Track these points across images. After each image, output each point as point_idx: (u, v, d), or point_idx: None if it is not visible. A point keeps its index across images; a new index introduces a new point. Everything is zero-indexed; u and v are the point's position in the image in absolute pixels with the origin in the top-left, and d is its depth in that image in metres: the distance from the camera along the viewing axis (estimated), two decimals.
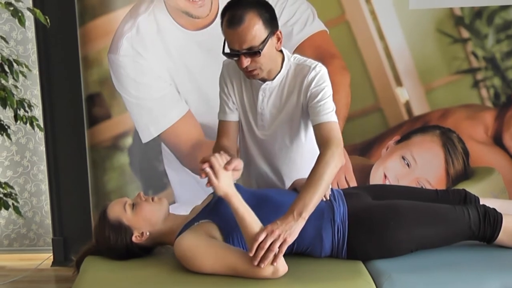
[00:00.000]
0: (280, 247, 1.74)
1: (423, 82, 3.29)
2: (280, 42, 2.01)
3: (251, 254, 1.74)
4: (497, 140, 3.29)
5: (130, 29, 3.18)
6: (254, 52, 1.92)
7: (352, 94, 3.23)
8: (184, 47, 3.22)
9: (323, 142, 1.96)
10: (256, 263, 1.73)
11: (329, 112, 2.00)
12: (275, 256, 1.74)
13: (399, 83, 3.30)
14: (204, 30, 3.20)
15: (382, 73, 3.29)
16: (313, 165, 1.92)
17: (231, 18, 1.90)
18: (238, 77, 2.14)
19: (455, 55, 3.27)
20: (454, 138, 3.25)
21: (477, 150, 3.27)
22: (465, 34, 3.25)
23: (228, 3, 1.95)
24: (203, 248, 1.80)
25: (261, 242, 1.74)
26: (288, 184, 2.16)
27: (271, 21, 1.95)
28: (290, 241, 1.77)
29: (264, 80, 2.07)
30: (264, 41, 1.92)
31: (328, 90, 2.03)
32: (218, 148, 2.11)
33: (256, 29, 1.89)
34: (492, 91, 3.28)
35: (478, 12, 3.23)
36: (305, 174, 1.95)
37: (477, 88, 3.28)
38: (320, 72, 2.04)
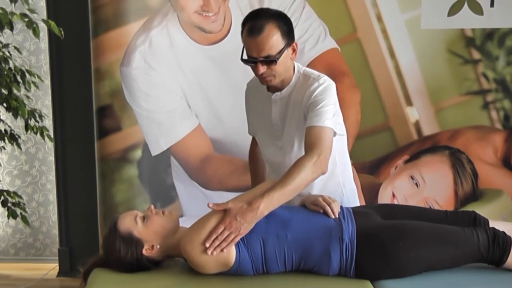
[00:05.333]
0: (233, 238, 1.83)
1: (433, 102, 3.30)
2: (295, 54, 2.08)
3: (208, 244, 1.82)
4: (507, 162, 3.28)
5: (143, 43, 3.21)
6: (270, 61, 2.00)
7: (362, 112, 3.24)
8: (196, 61, 3.24)
9: (308, 146, 1.99)
10: (210, 252, 1.82)
11: (324, 118, 2.01)
12: (227, 245, 1.83)
13: (409, 102, 3.30)
14: (217, 45, 3.22)
15: (393, 92, 3.30)
16: (329, 169, 1.99)
17: (252, 27, 1.99)
18: (257, 93, 2.23)
19: (466, 76, 3.28)
20: (463, 159, 3.24)
21: (486, 171, 3.27)
22: (476, 55, 3.26)
23: (250, 14, 2.04)
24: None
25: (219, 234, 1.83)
26: (304, 191, 2.16)
27: (289, 33, 2.03)
28: (244, 233, 1.84)
29: (275, 90, 2.14)
30: (281, 51, 2.00)
31: (329, 101, 2.04)
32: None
33: (274, 39, 1.98)
34: (502, 113, 3.28)
35: (489, 34, 3.24)
36: (322, 177, 2.01)
37: (487, 110, 3.28)
38: (323, 84, 2.07)
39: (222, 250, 1.82)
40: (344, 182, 2.26)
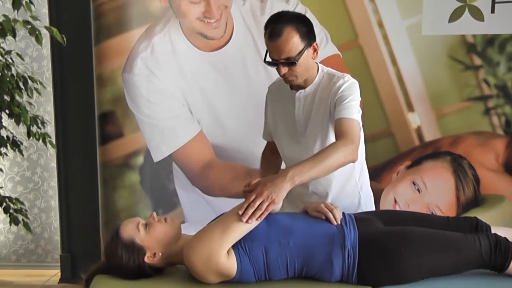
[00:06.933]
0: (267, 206, 1.83)
1: (434, 108, 3.30)
2: (316, 53, 2.15)
3: (241, 212, 1.82)
4: (508, 168, 3.28)
5: (145, 49, 3.22)
6: (291, 62, 2.07)
7: (363, 118, 3.22)
8: (198, 67, 3.25)
9: (339, 134, 2.05)
10: (245, 219, 1.81)
11: (352, 112, 2.08)
12: (261, 214, 1.83)
13: (410, 108, 3.31)
14: (218, 51, 3.23)
15: (394, 98, 3.30)
16: (347, 171, 2.06)
17: (272, 31, 2.07)
18: (280, 93, 2.29)
19: (467, 82, 3.28)
20: (465, 164, 3.24)
21: (488, 177, 3.26)
22: (477, 61, 3.26)
23: (270, 17, 2.12)
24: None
25: (251, 202, 1.84)
26: (322, 190, 2.23)
27: (308, 34, 2.10)
28: (277, 201, 1.84)
29: (299, 88, 2.21)
30: (300, 53, 2.07)
31: (355, 97, 2.12)
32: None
33: (293, 42, 2.06)
34: (503, 119, 3.28)
35: (490, 40, 3.24)
36: (340, 178, 2.11)
37: (488, 116, 3.28)
38: (349, 81, 2.15)
39: (257, 218, 1.82)
40: (362, 186, 2.32)
